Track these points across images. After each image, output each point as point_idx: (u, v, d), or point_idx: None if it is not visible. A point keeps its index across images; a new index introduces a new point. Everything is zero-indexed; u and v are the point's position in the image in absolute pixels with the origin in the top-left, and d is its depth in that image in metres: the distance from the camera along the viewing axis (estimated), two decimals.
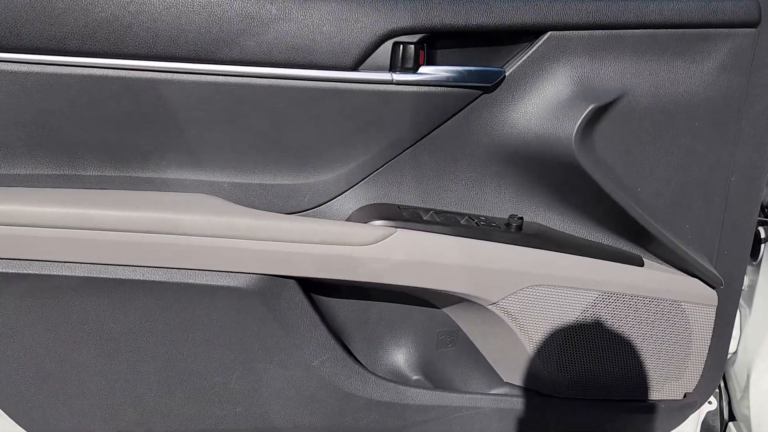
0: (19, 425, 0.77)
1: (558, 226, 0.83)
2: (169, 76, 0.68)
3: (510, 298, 0.77)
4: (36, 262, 0.69)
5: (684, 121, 0.75)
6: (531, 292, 0.77)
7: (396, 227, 0.72)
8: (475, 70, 0.72)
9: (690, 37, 0.73)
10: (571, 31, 0.71)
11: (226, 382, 0.75)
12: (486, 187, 0.80)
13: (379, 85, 0.70)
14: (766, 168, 0.78)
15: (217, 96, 0.69)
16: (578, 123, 0.72)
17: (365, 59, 0.69)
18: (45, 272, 0.69)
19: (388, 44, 0.69)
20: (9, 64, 0.65)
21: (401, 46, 0.69)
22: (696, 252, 0.82)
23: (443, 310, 0.84)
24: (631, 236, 0.83)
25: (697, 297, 0.83)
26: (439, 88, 0.71)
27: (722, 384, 1.05)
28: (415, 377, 0.84)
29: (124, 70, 0.68)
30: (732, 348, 0.97)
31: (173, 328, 0.73)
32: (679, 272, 0.83)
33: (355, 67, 0.69)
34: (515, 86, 0.74)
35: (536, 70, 0.73)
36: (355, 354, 0.83)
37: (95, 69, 0.66)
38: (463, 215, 0.78)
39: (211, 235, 0.70)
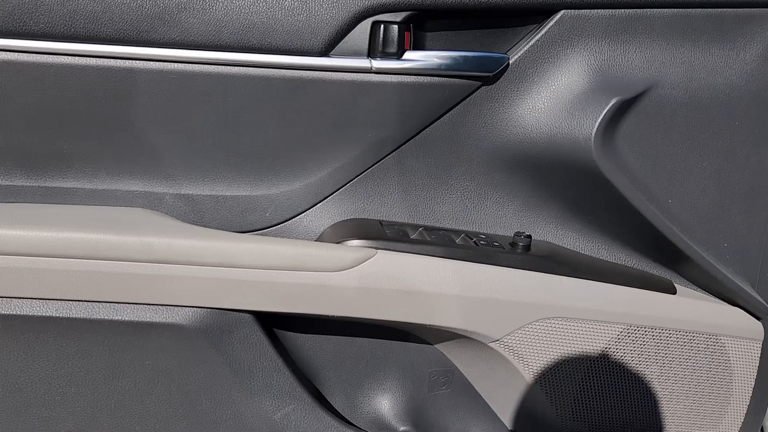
0: None
1: (573, 245, 0.76)
2: (91, 61, 0.60)
3: (516, 334, 0.69)
4: None
5: (722, 119, 0.70)
6: (542, 326, 0.69)
7: (377, 248, 0.65)
8: (473, 57, 0.66)
9: (730, 18, 0.68)
10: (589, 10, 0.66)
11: None
12: (486, 198, 0.74)
13: (356, 74, 0.63)
14: None
15: (154, 87, 0.61)
16: (598, 121, 0.66)
17: (338, 42, 0.63)
18: None
19: (366, 23, 0.63)
20: None
21: (382, 26, 0.63)
22: (737, 275, 0.77)
23: (436, 346, 0.76)
24: (661, 257, 0.76)
25: (738, 329, 0.76)
26: (428, 79, 0.65)
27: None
28: (402, 428, 0.77)
29: (34, 54, 0.59)
30: None
31: (96, 376, 0.64)
32: (718, 300, 0.77)
33: (325, 52, 0.63)
34: (521, 76, 0.68)
35: (547, 56, 0.68)
36: (329, 401, 0.75)
37: None
38: (459, 233, 0.71)
39: (146, 259, 0.61)
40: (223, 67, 0.62)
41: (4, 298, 0.62)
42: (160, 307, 0.63)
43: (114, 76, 0.61)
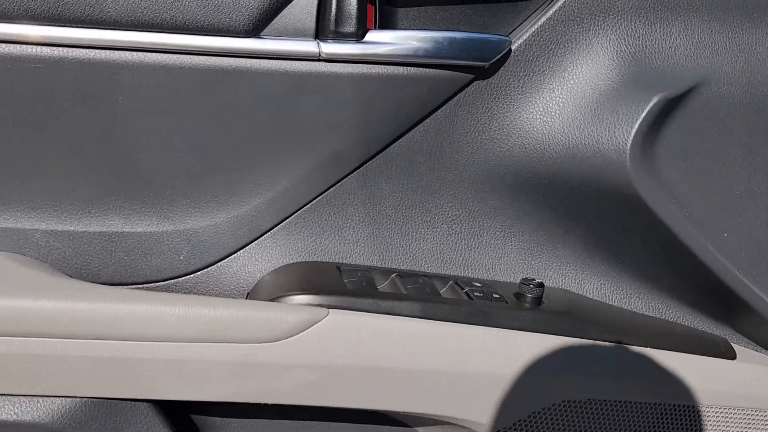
0: None
1: (599, 293, 0.71)
2: None
3: (524, 426, 0.61)
4: None
5: None
6: (560, 413, 0.61)
7: (330, 306, 0.57)
8: (464, 40, 0.60)
9: None
10: None
11: None
12: (482, 232, 0.69)
13: (298, 61, 0.57)
14: None
15: (18, 79, 0.54)
16: (635, 127, 0.61)
17: (271, 17, 0.56)
18: None
19: None
20: None
21: None
22: None
23: (416, 430, 0.69)
24: (714, 308, 0.70)
25: None
26: (400, 69, 0.59)
27: None
28: None
29: None
30: None
31: None
32: None
33: (253, 31, 0.56)
34: (528, 67, 0.63)
35: (562, 40, 0.63)
36: None
37: None
38: (445, 279, 0.66)
39: None
40: (104, 52, 0.54)
41: None
42: (14, 398, 0.54)
43: None
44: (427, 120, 0.63)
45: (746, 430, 0.67)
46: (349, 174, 0.64)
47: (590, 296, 0.70)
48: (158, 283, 0.61)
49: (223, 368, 0.54)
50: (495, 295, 0.63)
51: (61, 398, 0.54)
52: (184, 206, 0.61)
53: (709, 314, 0.71)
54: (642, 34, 0.63)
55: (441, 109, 0.63)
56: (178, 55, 0.54)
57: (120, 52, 0.54)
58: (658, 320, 0.69)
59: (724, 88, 0.65)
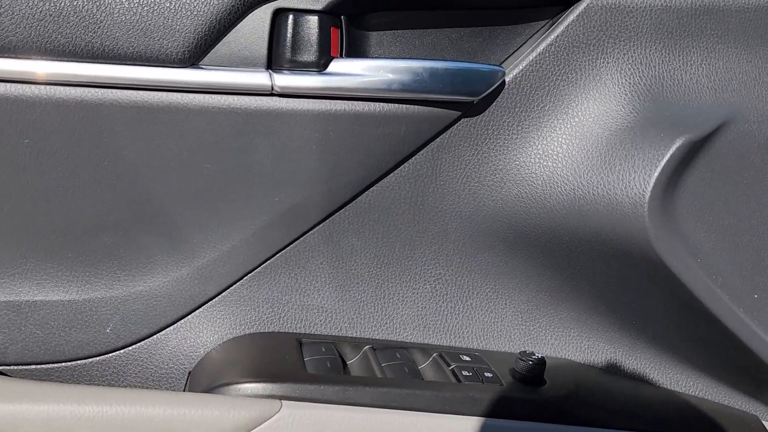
0: None
1: (610, 364, 0.66)
2: None
3: None
4: None
5: None
6: None
7: (283, 397, 0.50)
8: (450, 71, 0.55)
9: None
10: None
11: None
12: (471, 294, 0.64)
13: (247, 96, 0.52)
14: None
15: None
16: (655, 175, 0.56)
17: (213, 44, 0.51)
18: None
19: (264, 12, 0.52)
20: None
21: (291, 17, 0.52)
22: None
23: None
24: (743, 380, 0.65)
25: None
26: (372, 106, 0.54)
27: None
28: None
29: None
30: None
31: None
32: None
33: (191, 60, 0.50)
34: (525, 102, 0.59)
35: (564, 70, 0.58)
36: None
37: None
38: (427, 352, 0.61)
39: None
40: (4, 85, 0.48)
41: None
42: None
43: None
44: (405, 164, 0.58)
45: None
46: (311, 228, 0.58)
47: (599, 366, 0.65)
48: (79, 362, 0.55)
49: None
50: (487, 374, 0.57)
51: None
52: (110, 269, 0.55)
53: (737, 388, 0.66)
54: (658, 64, 0.58)
55: (421, 151, 0.58)
56: (98, 89, 0.49)
57: (24, 85, 0.47)
58: (678, 396, 0.64)
59: (754, 126, 0.60)
